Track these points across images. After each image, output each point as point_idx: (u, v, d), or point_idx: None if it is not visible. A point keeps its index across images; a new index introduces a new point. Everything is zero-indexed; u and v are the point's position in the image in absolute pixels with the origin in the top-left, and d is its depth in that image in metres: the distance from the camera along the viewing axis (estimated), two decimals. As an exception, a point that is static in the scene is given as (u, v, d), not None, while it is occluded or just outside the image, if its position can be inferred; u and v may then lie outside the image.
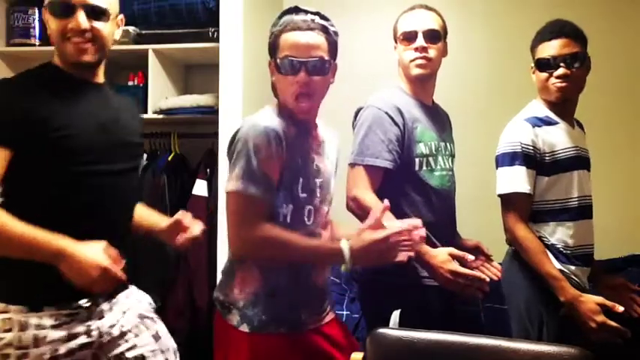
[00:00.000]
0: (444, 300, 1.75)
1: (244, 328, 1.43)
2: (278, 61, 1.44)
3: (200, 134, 2.75)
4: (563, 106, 1.84)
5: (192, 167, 2.74)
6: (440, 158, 1.82)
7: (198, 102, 2.61)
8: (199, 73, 2.98)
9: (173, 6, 2.59)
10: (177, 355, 1.63)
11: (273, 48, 1.47)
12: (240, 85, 2.44)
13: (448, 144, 1.90)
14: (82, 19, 1.37)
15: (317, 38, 1.42)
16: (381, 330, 1.37)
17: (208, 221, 2.59)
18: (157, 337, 1.57)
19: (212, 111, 2.56)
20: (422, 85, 1.85)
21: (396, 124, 1.73)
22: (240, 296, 1.45)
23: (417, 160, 1.76)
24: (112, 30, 1.47)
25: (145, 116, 2.65)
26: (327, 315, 1.57)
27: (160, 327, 1.60)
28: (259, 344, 1.42)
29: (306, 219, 1.46)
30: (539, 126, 1.79)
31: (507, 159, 1.79)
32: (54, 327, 1.36)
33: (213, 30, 2.53)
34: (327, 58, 1.43)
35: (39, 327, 1.35)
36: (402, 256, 1.38)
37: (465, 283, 1.57)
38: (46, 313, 1.36)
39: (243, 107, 2.46)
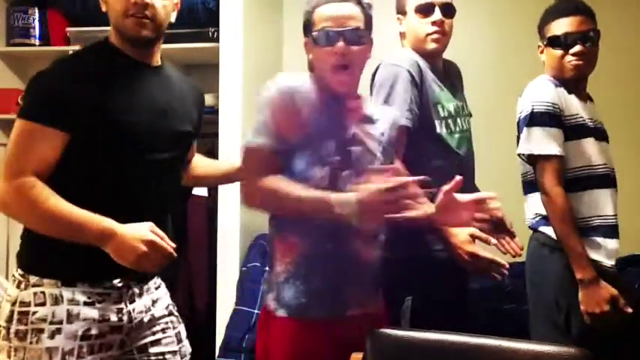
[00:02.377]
0: (457, 274, 1.72)
1: (282, 312, 1.40)
2: (314, 34, 1.42)
3: (200, 134, 2.74)
4: (576, 83, 1.82)
5: (192, 167, 2.74)
6: (459, 120, 1.80)
7: (198, 102, 2.61)
8: (199, 73, 2.97)
9: (173, 6, 2.59)
10: None
11: (309, 25, 1.46)
12: (240, 85, 2.44)
13: (464, 104, 1.87)
14: None
15: (352, 9, 1.42)
16: (381, 330, 1.37)
17: (208, 222, 2.60)
18: (179, 339, 1.55)
19: (212, 111, 2.56)
20: (434, 56, 1.82)
21: (415, 83, 1.69)
22: (280, 268, 1.42)
23: (436, 122, 1.73)
24: (170, 10, 1.47)
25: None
26: (375, 302, 1.50)
27: (183, 329, 1.58)
28: (297, 332, 1.38)
29: (346, 182, 1.40)
30: (559, 87, 1.77)
31: (535, 118, 1.73)
32: (87, 304, 1.36)
33: (213, 30, 2.53)
34: (363, 28, 1.42)
35: (72, 302, 1.34)
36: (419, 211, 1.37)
37: (482, 266, 1.56)
38: (79, 288, 1.35)
39: (243, 107, 2.46)
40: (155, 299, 1.51)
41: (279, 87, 1.40)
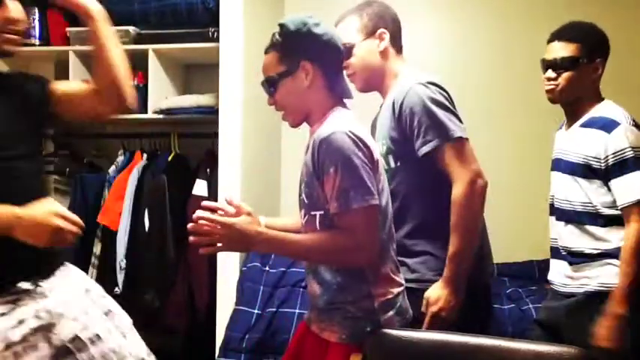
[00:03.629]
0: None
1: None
2: None
3: (200, 134, 2.74)
4: (564, 108, 1.83)
5: (192, 167, 2.74)
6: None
7: (198, 102, 2.61)
8: (199, 73, 2.97)
9: (173, 6, 2.59)
10: (134, 330, 1.57)
11: None
12: (241, 85, 2.44)
13: (381, 143, 1.71)
14: (19, 8, 1.35)
15: (268, 58, 1.46)
16: (381, 330, 1.37)
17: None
18: (108, 313, 1.52)
19: (212, 111, 2.56)
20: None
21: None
22: None
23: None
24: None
25: (144, 116, 2.65)
26: (322, 327, 1.45)
27: (110, 302, 1.55)
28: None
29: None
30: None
31: None
32: (1, 315, 1.33)
33: (213, 30, 2.53)
34: (277, 72, 1.43)
35: None
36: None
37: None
38: None
39: (244, 107, 2.46)
40: (68, 288, 1.48)
41: None
